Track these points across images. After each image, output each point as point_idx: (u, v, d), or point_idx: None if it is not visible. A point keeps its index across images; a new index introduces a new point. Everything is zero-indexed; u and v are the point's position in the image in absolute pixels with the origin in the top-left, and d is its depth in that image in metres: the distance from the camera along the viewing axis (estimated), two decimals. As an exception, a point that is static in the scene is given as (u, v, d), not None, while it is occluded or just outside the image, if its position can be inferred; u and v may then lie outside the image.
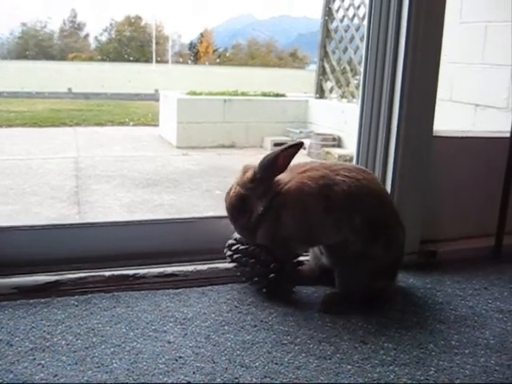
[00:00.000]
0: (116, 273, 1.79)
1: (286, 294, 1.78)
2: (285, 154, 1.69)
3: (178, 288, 1.79)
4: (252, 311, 1.67)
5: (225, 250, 1.83)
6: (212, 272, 1.85)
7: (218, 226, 1.95)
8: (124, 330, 1.54)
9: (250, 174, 1.74)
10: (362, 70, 2.04)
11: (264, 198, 1.71)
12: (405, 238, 1.79)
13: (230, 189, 1.80)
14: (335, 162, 1.90)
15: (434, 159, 2.05)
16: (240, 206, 1.74)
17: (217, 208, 4.48)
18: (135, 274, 1.79)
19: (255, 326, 1.59)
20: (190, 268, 1.85)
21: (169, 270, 1.83)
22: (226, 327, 1.58)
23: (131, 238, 1.90)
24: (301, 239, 1.74)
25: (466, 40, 4.41)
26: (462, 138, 2.22)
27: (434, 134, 2.03)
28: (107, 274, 1.78)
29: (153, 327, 1.56)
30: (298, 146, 1.70)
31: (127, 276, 1.79)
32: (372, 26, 2.00)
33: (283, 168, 1.71)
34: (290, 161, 1.71)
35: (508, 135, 2.14)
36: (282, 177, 1.72)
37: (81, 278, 1.75)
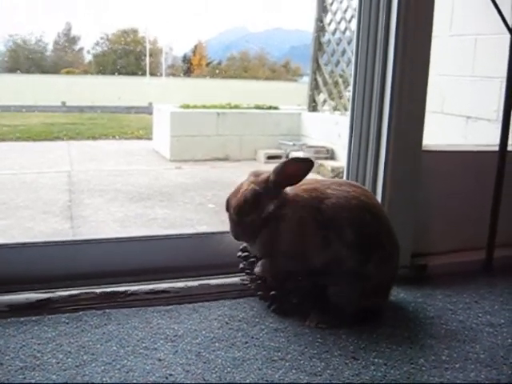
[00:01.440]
0: (107, 290, 1.79)
1: (291, 309, 1.78)
2: (293, 164, 1.71)
3: (169, 305, 1.79)
4: (243, 327, 1.68)
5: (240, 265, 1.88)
6: (203, 288, 1.85)
7: (210, 241, 1.96)
8: (115, 348, 1.54)
9: (264, 176, 1.75)
10: (351, 83, 2.05)
11: (274, 200, 1.72)
12: (398, 258, 1.80)
13: (237, 190, 1.78)
14: (332, 180, 1.90)
15: (423, 173, 2.06)
16: (253, 201, 1.72)
17: (210, 221, 4.52)
18: (126, 291, 1.79)
19: (246, 342, 1.59)
20: (180, 284, 1.85)
21: (160, 286, 1.83)
22: (216, 344, 1.58)
23: (122, 255, 1.90)
24: (295, 255, 1.74)
25: (457, 52, 4.45)
26: (451, 151, 2.23)
27: (423, 148, 2.04)
28: (98, 291, 1.78)
29: (143, 344, 1.56)
30: (308, 161, 1.72)
31: (118, 293, 1.79)
32: (361, 40, 2.02)
33: (293, 178, 1.73)
34: (301, 175, 1.73)
35: (497, 148, 2.15)
36: (289, 190, 1.76)
37: (72, 296, 1.75)
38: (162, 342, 1.58)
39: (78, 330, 1.62)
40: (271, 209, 1.71)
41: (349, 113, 2.09)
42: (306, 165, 1.71)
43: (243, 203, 1.72)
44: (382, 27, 1.98)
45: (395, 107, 1.96)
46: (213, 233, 1.91)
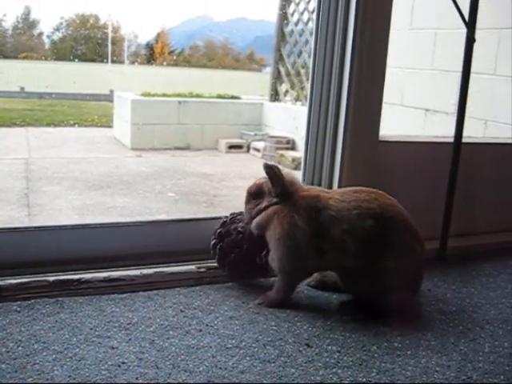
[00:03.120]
0: (60, 277, 1.76)
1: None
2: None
3: (123, 293, 1.77)
4: (198, 315, 1.67)
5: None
6: (158, 276, 1.84)
7: (166, 228, 1.94)
8: (67, 336, 1.51)
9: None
10: (310, 74, 2.06)
11: (272, 198, 1.79)
12: (424, 251, 1.77)
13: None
14: (337, 190, 1.89)
15: (379, 163, 2.08)
16: (255, 192, 1.84)
17: (170, 210, 4.50)
18: (80, 279, 1.77)
19: (200, 330, 1.59)
20: (136, 272, 1.83)
21: (115, 274, 1.81)
22: (170, 332, 1.57)
23: (76, 242, 1.87)
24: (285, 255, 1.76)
25: (417, 46, 4.51)
26: (407, 142, 2.26)
27: (380, 138, 2.06)
28: (51, 278, 1.75)
29: (96, 333, 1.54)
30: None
31: (72, 281, 1.76)
32: (319, 32, 2.02)
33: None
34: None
35: (452, 140, 2.19)
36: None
37: (24, 283, 1.72)
38: (115, 330, 1.56)
39: (29, 318, 1.59)
40: (263, 205, 1.80)
41: (306, 103, 2.09)
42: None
43: (248, 191, 1.87)
44: (341, 20, 2.00)
45: (353, 98, 1.97)
46: (168, 220, 1.90)
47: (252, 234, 1.82)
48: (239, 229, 1.85)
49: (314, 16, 2.06)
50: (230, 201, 4.73)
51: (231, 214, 1.92)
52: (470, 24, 2.05)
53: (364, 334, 1.64)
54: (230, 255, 1.83)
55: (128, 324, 1.60)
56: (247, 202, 1.86)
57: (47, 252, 1.83)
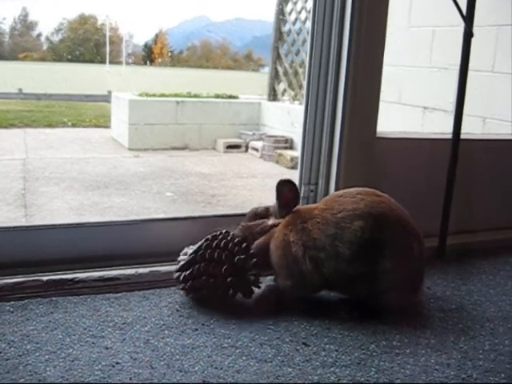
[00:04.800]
0: (54, 277, 1.74)
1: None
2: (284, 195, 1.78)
3: (118, 292, 1.75)
4: (193, 314, 1.65)
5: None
6: (154, 275, 1.81)
7: (161, 227, 1.92)
8: (60, 337, 1.49)
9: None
10: (306, 72, 2.04)
11: (276, 220, 1.80)
12: (423, 249, 1.74)
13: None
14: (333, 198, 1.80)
15: (377, 160, 2.06)
16: (262, 213, 1.84)
17: (167, 210, 4.47)
18: (74, 278, 1.74)
19: (196, 329, 1.56)
20: (131, 271, 1.81)
21: (110, 273, 1.78)
22: (166, 331, 1.54)
23: (71, 241, 1.85)
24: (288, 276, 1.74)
25: (415, 44, 4.49)
26: (405, 138, 2.24)
27: (378, 135, 2.04)
28: (45, 278, 1.73)
29: (90, 333, 1.51)
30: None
31: (66, 280, 1.74)
32: (316, 29, 2.00)
33: (289, 203, 1.78)
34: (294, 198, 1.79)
35: (451, 136, 2.16)
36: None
37: (17, 283, 1.69)
38: (109, 329, 1.54)
39: (22, 318, 1.57)
40: (269, 224, 1.79)
41: (303, 101, 2.07)
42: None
43: (254, 211, 1.86)
44: (337, 18, 1.98)
45: (350, 94, 1.95)
46: (163, 218, 1.87)
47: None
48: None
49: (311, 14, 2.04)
50: (228, 200, 4.70)
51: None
52: (468, 18, 2.03)
53: (362, 332, 1.61)
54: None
55: (123, 324, 1.57)
56: (249, 220, 1.85)
57: (41, 251, 1.81)
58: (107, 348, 1.44)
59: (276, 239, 1.73)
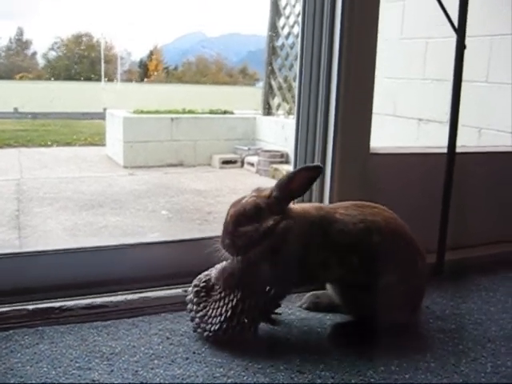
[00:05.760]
0: (41, 306, 1.68)
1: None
2: (300, 175, 1.62)
3: (107, 320, 1.69)
4: (184, 342, 1.59)
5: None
6: (144, 301, 1.76)
7: (151, 251, 1.87)
8: (45, 369, 1.43)
9: (267, 191, 1.66)
10: (296, 87, 2.00)
11: (275, 216, 1.62)
12: (425, 265, 1.72)
13: (238, 200, 1.67)
14: (338, 204, 1.77)
15: (371, 176, 2.01)
16: (252, 214, 1.61)
17: (162, 229, 4.42)
18: (61, 307, 1.69)
19: (187, 358, 1.51)
20: (120, 298, 1.75)
21: (98, 301, 1.73)
22: (155, 361, 1.49)
23: (57, 268, 1.79)
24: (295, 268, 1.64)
25: (408, 55, 4.47)
26: (399, 154, 2.19)
27: (371, 151, 2.00)
28: (31, 307, 1.67)
29: (77, 364, 1.46)
30: (316, 168, 1.65)
31: (53, 309, 1.68)
32: (305, 43, 1.97)
33: (299, 190, 1.65)
34: (307, 184, 1.64)
35: (445, 150, 2.12)
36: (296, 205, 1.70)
37: (2, 313, 1.64)
38: (97, 360, 1.48)
39: (6, 350, 1.51)
40: (270, 224, 1.60)
41: (295, 117, 2.03)
42: (312, 173, 1.63)
43: (242, 213, 1.62)
44: (327, 32, 1.95)
45: (341, 110, 1.92)
46: (153, 243, 1.82)
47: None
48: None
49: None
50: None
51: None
52: (460, 30, 1.99)
53: (359, 357, 1.56)
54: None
55: (111, 354, 1.52)
56: (238, 225, 1.62)
57: (26, 279, 1.75)
58: (94, 381, 1.39)
59: (294, 234, 1.62)
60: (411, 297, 1.71)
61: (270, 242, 1.60)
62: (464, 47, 2.01)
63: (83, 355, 1.51)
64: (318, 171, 1.65)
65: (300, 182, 1.62)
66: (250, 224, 1.60)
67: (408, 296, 1.69)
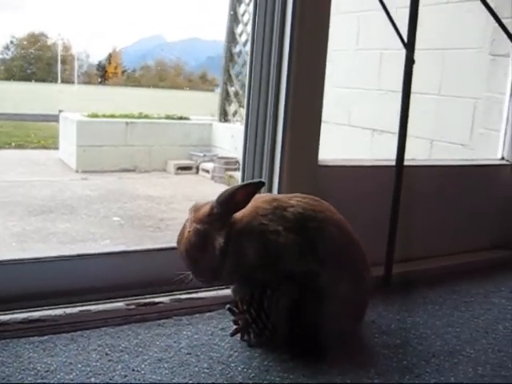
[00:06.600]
0: (-27, 320, 1.61)
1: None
2: (243, 191, 1.59)
3: (44, 335, 1.62)
4: (123, 358, 1.54)
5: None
6: (84, 315, 1.70)
7: (93, 263, 1.81)
8: (-26, 388, 1.37)
9: (206, 208, 1.62)
10: (245, 96, 1.98)
11: (222, 231, 1.59)
12: (371, 280, 1.70)
13: (182, 232, 1.66)
14: (292, 194, 1.72)
15: (320, 188, 2.00)
16: (200, 243, 1.59)
17: (114, 235, 4.35)
18: (-4, 321, 1.62)
19: (125, 376, 1.46)
20: (59, 312, 1.68)
21: (35, 314, 1.66)
22: (92, 379, 1.43)
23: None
24: (265, 266, 1.59)
25: (363, 66, 4.51)
26: (348, 166, 2.19)
27: (320, 163, 1.99)
28: (-38, 322, 1.60)
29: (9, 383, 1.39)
30: (259, 185, 1.63)
31: (-14, 323, 1.61)
32: (255, 52, 1.95)
33: (242, 205, 1.60)
34: (249, 199, 1.60)
35: (393, 163, 2.13)
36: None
37: None
38: (30, 379, 1.41)
39: None
40: (222, 242, 1.58)
41: (243, 126, 2.00)
42: (255, 188, 1.61)
43: (190, 250, 1.61)
44: (276, 40, 1.93)
45: (289, 121, 1.89)
46: (94, 254, 1.77)
47: None
48: None
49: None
50: (177, 224, 4.58)
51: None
52: (409, 45, 2.00)
53: (303, 373, 1.53)
54: None
55: (46, 372, 1.45)
56: (195, 262, 1.63)
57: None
58: (25, 400, 1.33)
59: (251, 235, 1.59)
60: (355, 306, 1.68)
61: (233, 256, 1.59)
62: (413, 62, 2.01)
63: (16, 373, 1.44)
64: (261, 187, 1.63)
65: (242, 199, 1.59)
66: (204, 253, 1.60)
67: (352, 304, 1.66)
